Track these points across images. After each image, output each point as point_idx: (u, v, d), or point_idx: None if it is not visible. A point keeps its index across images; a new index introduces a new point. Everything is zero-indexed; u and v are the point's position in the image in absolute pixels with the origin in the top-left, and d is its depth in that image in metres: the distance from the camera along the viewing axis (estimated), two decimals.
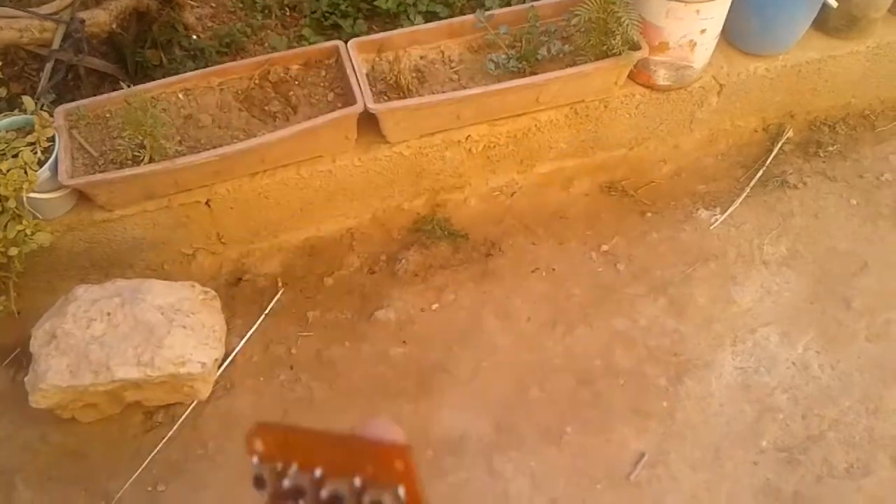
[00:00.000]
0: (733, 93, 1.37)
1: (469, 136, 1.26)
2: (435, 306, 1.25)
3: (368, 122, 1.20)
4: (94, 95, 1.21)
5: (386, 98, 1.21)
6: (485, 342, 1.21)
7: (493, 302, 1.26)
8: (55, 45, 1.24)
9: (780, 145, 1.44)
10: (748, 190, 1.39)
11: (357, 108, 1.15)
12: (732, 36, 1.34)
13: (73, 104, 1.20)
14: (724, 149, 1.46)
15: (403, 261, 1.30)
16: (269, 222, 1.28)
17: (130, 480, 1.09)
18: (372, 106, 1.15)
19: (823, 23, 1.36)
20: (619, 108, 1.32)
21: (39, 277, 1.22)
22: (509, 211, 1.37)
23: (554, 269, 1.29)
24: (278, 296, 1.27)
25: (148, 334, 1.09)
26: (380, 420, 0.25)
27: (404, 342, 1.21)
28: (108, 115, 1.19)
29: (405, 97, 1.20)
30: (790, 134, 1.46)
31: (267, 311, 1.25)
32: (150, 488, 1.09)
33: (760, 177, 1.41)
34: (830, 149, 1.45)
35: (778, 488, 1.07)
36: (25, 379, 1.08)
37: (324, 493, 0.23)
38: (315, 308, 1.25)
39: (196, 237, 1.26)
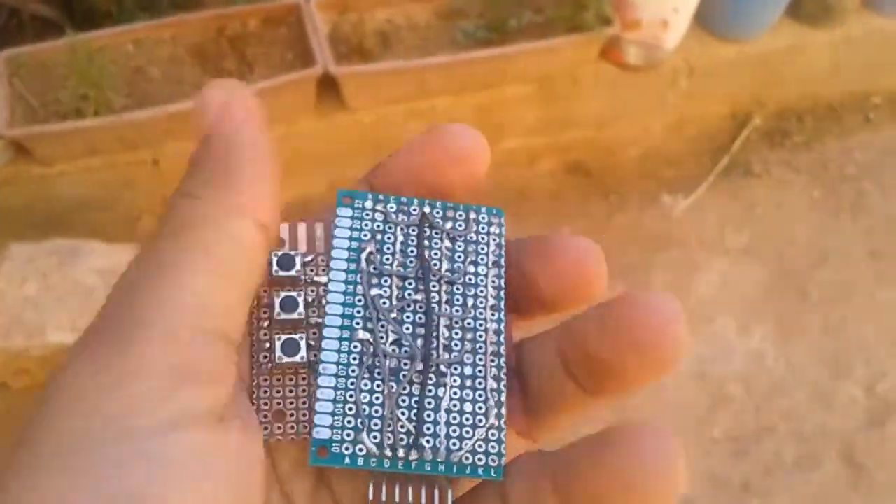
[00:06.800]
0: (704, 76, 1.35)
1: (434, 106, 1.21)
2: None
3: (328, 86, 1.15)
4: (38, 42, 1.15)
5: (348, 62, 1.16)
6: None
7: None
8: None
9: (746, 133, 1.43)
10: (712, 177, 1.37)
11: (316, 71, 1.10)
12: (705, 18, 1.32)
13: (15, 51, 1.13)
14: (692, 134, 1.44)
15: None
16: None
17: None
18: (333, 69, 1.10)
19: (796, 10, 1.35)
20: (589, 86, 1.29)
21: None
22: None
23: None
24: None
25: (85, 298, 1.04)
26: None
27: None
28: (51, 64, 1.12)
29: (368, 62, 1.16)
30: (757, 122, 1.44)
31: None
32: None
33: (726, 165, 1.39)
34: (796, 139, 1.44)
35: (727, 478, 1.07)
36: None
37: None
38: None
39: (142, 199, 1.20)
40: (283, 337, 0.20)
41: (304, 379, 0.21)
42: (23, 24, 1.24)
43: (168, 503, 0.16)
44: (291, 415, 0.20)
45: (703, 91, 1.38)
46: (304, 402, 0.20)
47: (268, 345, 0.21)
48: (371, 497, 0.19)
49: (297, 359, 0.20)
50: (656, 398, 1.11)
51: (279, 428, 0.20)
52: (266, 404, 0.20)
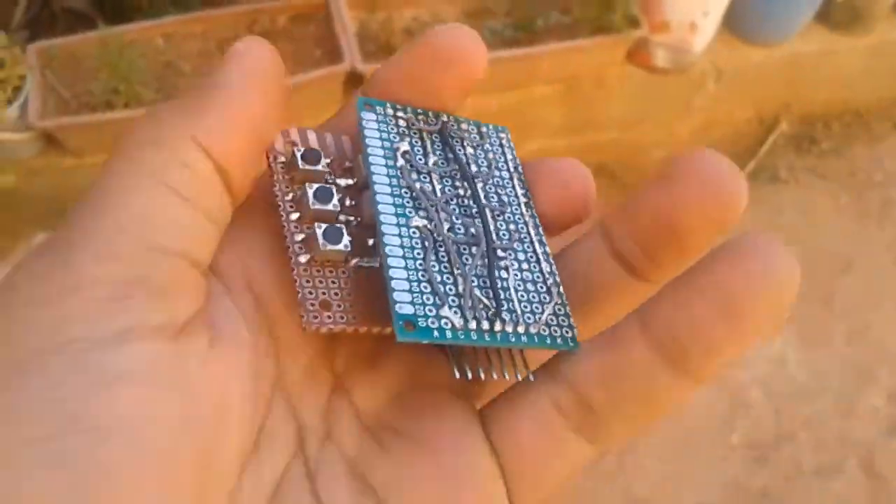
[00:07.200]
0: (731, 80, 1.34)
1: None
2: None
3: (356, 83, 1.14)
4: (69, 35, 1.16)
5: (375, 60, 1.16)
6: None
7: None
8: None
9: (773, 138, 1.42)
10: None
11: (344, 67, 1.10)
12: (733, 22, 1.31)
13: (47, 42, 1.14)
14: (718, 137, 1.43)
15: None
16: None
17: None
18: (360, 66, 1.10)
19: (825, 15, 1.34)
20: (615, 88, 1.29)
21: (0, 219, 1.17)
22: None
23: None
24: None
25: None
26: None
27: None
28: (82, 57, 1.13)
29: None
30: (784, 127, 1.43)
31: None
32: None
33: (752, 169, 1.38)
34: (824, 145, 1.43)
35: (746, 485, 1.06)
36: None
37: None
38: None
39: None
40: (324, 225, 0.20)
41: (343, 272, 0.20)
42: (55, 17, 1.25)
43: (114, 416, 0.15)
44: (339, 305, 0.20)
45: (730, 95, 1.37)
46: (348, 294, 0.20)
47: (300, 236, 0.20)
48: (457, 375, 0.19)
49: (340, 247, 0.20)
50: None
51: (329, 317, 0.19)
52: (311, 293, 0.19)
